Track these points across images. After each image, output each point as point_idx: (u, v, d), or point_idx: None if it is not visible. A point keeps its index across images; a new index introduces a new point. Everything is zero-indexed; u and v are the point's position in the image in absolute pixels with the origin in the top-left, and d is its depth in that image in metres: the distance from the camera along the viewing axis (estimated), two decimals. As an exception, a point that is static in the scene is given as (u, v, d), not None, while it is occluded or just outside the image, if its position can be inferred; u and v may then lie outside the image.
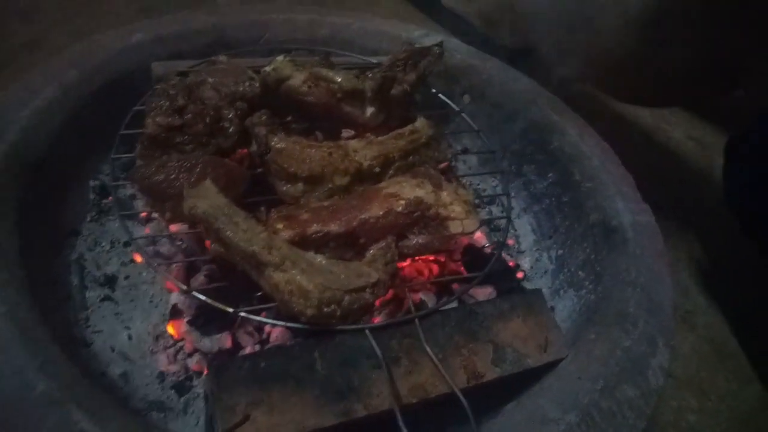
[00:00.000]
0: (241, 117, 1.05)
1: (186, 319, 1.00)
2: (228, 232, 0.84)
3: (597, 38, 1.48)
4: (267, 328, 1.02)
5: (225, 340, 0.99)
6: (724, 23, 1.32)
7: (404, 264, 1.12)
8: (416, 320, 0.91)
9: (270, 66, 1.10)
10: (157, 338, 1.02)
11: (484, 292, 1.14)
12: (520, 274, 1.25)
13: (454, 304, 1.03)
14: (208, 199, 0.88)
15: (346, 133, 1.18)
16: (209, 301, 0.86)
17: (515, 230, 1.37)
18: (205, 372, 0.98)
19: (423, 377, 0.87)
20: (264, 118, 1.03)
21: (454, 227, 0.95)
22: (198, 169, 0.94)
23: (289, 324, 0.86)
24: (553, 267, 1.26)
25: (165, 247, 1.08)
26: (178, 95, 1.03)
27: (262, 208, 0.99)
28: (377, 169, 1.02)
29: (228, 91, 1.07)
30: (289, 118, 1.14)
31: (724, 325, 1.68)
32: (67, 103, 1.17)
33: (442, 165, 1.21)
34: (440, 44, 1.24)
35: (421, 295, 1.09)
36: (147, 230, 1.14)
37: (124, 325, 1.04)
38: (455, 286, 1.13)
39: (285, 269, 0.83)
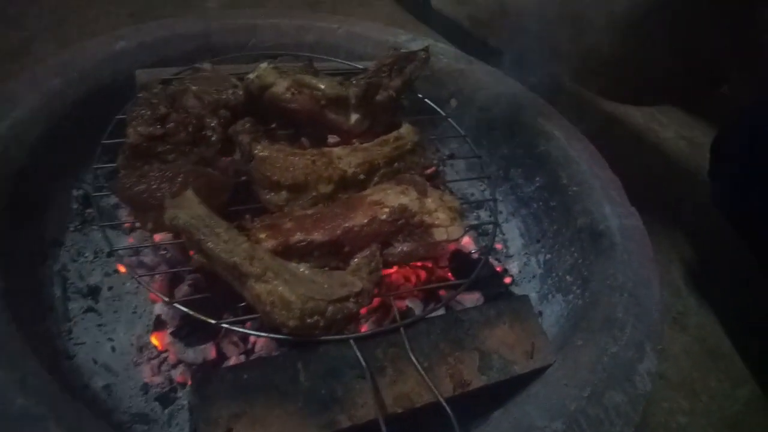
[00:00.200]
0: (225, 125, 1.04)
1: (169, 331, 0.99)
2: (209, 243, 0.83)
3: (583, 37, 1.48)
4: (252, 338, 1.01)
5: (209, 351, 0.98)
6: (706, 23, 1.32)
7: (391, 271, 1.12)
8: (401, 329, 0.90)
9: (253, 73, 1.09)
10: (140, 349, 1.01)
11: (471, 298, 1.13)
12: (507, 279, 1.24)
13: (441, 311, 1.03)
14: (189, 209, 0.87)
15: (333, 139, 1.18)
16: (191, 312, 0.85)
17: (503, 234, 1.37)
18: (189, 383, 0.97)
19: (408, 386, 0.87)
20: (247, 126, 1.02)
21: (439, 234, 0.95)
22: (179, 179, 0.93)
23: (272, 335, 0.85)
24: (541, 271, 1.25)
25: (148, 257, 1.07)
26: (159, 104, 1.01)
27: (248, 216, 0.99)
28: (362, 177, 1.01)
29: (211, 99, 1.06)
30: (273, 125, 1.13)
31: (716, 325, 1.68)
32: (49, 111, 1.16)
33: (429, 170, 1.21)
34: (426, 49, 1.24)
35: (407, 303, 1.09)
36: (131, 240, 1.13)
37: (107, 336, 1.02)
38: (442, 292, 1.12)
39: (267, 280, 0.82)
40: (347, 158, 1.02)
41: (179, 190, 0.91)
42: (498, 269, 1.25)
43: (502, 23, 1.91)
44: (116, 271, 1.11)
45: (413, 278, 1.17)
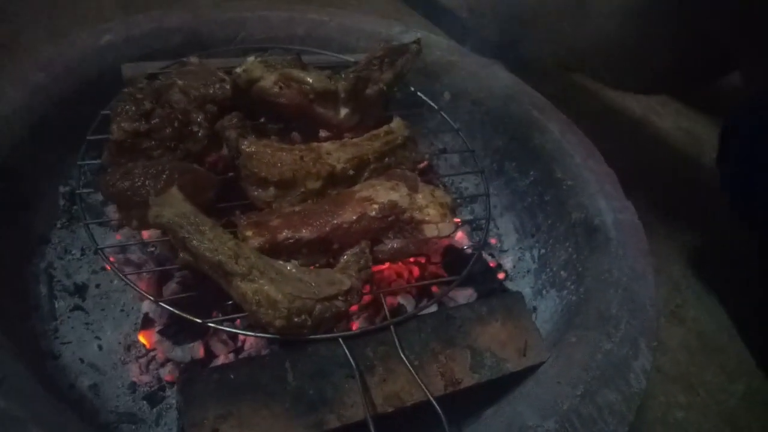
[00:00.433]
0: (211, 120, 1.02)
1: (157, 329, 0.98)
2: (193, 242, 0.82)
3: (586, 24, 1.45)
4: (241, 336, 1.00)
5: (197, 350, 0.96)
6: (715, 7, 1.29)
7: (383, 267, 1.10)
8: (391, 327, 0.89)
9: (241, 67, 1.07)
10: (128, 348, 1.00)
11: (464, 294, 1.12)
12: (501, 275, 1.23)
13: (432, 308, 1.01)
14: (173, 207, 0.85)
15: (325, 133, 1.16)
16: (177, 312, 0.84)
17: (498, 229, 1.35)
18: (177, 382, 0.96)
19: (398, 385, 0.86)
20: (234, 121, 1.00)
21: (430, 231, 0.93)
22: (164, 176, 0.91)
23: (259, 334, 0.84)
24: (535, 266, 1.24)
25: (135, 255, 1.05)
26: (144, 99, 0.99)
27: (238, 212, 0.97)
28: (351, 172, 0.99)
29: (197, 94, 1.03)
30: (262, 120, 1.11)
31: (714, 318, 1.67)
32: (34, 107, 1.14)
33: (422, 165, 1.19)
34: (418, 41, 1.21)
35: (399, 299, 1.07)
36: (118, 237, 1.12)
37: (94, 335, 1.01)
38: (434, 288, 1.11)
39: (252, 279, 0.80)
40: (336, 153, 1.00)
41: (164, 187, 0.90)
42: (492, 264, 1.24)
43: (501, 12, 1.88)
44: (104, 269, 1.10)
45: (405, 274, 1.15)
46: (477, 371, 0.90)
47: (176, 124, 0.99)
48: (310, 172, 0.96)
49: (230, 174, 1.02)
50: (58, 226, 1.14)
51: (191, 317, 0.83)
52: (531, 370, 0.94)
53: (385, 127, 1.07)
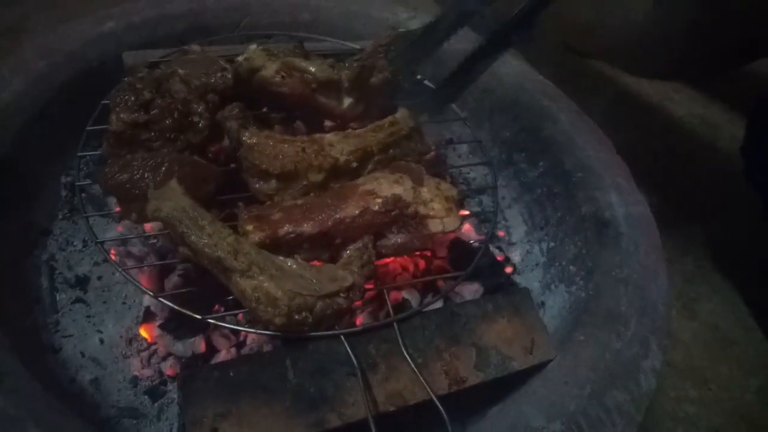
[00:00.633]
0: (213, 111, 1.00)
1: (158, 323, 0.97)
2: (192, 237, 0.80)
3: (606, 8, 1.41)
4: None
5: (198, 345, 0.95)
6: None
7: (388, 260, 1.08)
8: (395, 324, 0.87)
9: (242, 56, 1.05)
10: (130, 341, 0.99)
11: (470, 289, 1.09)
12: (509, 269, 1.20)
13: (438, 304, 0.99)
14: (172, 200, 0.83)
15: (330, 123, 1.13)
16: (176, 307, 0.82)
17: (506, 221, 1.32)
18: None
19: (401, 384, 0.84)
20: (236, 111, 0.98)
21: (434, 226, 0.90)
22: (164, 168, 0.89)
23: (259, 331, 0.82)
24: (544, 260, 1.21)
25: (137, 248, 1.04)
26: (144, 89, 0.97)
27: (240, 204, 0.95)
28: (354, 164, 0.97)
29: (198, 84, 1.01)
30: (264, 110, 1.09)
31: (729, 311, 1.64)
32: (35, 96, 1.12)
33: (428, 156, 1.16)
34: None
35: (403, 294, 1.05)
36: (120, 228, 1.11)
37: (95, 328, 1.00)
38: (440, 283, 1.08)
39: (252, 275, 0.78)
40: (339, 145, 0.97)
41: (163, 180, 0.88)
42: (499, 258, 1.21)
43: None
44: (106, 261, 1.09)
45: (410, 267, 1.13)
46: (482, 369, 0.88)
47: (176, 115, 0.97)
48: (312, 165, 0.94)
49: (232, 165, 1.00)
50: (60, 217, 1.13)
51: (191, 313, 0.82)
52: (537, 369, 0.92)
53: (389, 118, 1.04)
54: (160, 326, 0.97)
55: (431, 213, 0.90)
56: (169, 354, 0.96)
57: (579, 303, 1.03)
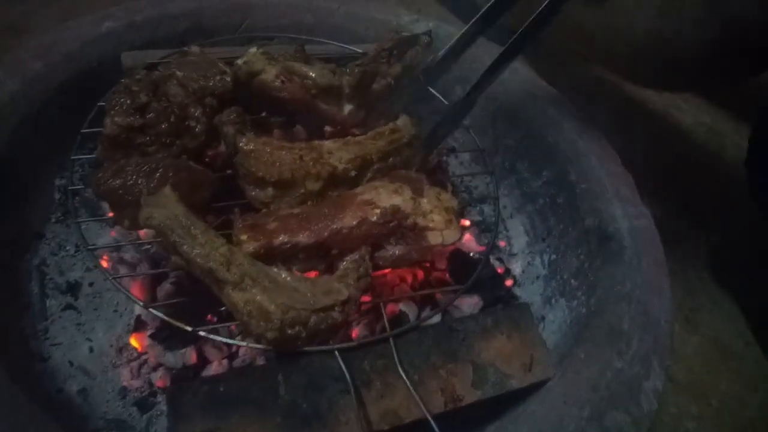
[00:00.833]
0: (210, 115, 0.98)
1: (148, 333, 0.95)
2: (184, 246, 0.78)
3: (611, 15, 1.38)
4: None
5: (189, 356, 0.93)
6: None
7: (385, 271, 1.06)
8: (390, 339, 0.85)
9: (242, 59, 1.03)
10: (120, 351, 0.97)
11: (469, 302, 1.07)
12: (509, 282, 1.18)
13: (435, 318, 0.97)
14: (165, 208, 0.81)
15: (331, 128, 1.11)
16: (167, 318, 0.80)
17: (507, 231, 1.30)
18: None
19: (396, 402, 0.82)
20: (233, 116, 0.96)
21: (434, 238, 0.88)
22: (158, 174, 0.87)
23: (251, 345, 0.80)
24: (545, 272, 1.19)
25: (130, 254, 1.02)
26: (140, 91, 0.95)
27: (236, 210, 0.93)
28: (353, 173, 0.95)
29: (196, 87, 0.99)
30: (263, 114, 1.07)
31: (730, 324, 1.61)
32: (31, 96, 1.10)
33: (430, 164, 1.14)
34: (429, 33, 1.16)
35: (401, 306, 1.03)
36: (113, 233, 1.08)
37: (85, 336, 0.98)
38: (438, 295, 1.06)
39: (244, 288, 0.76)
40: (338, 153, 0.95)
41: (157, 186, 0.86)
42: (499, 270, 1.19)
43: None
44: (98, 266, 1.07)
45: (409, 278, 1.11)
46: (479, 387, 0.86)
47: (173, 119, 0.95)
48: (310, 173, 0.92)
49: (228, 171, 0.98)
50: (53, 220, 1.11)
51: (181, 325, 0.80)
52: (536, 387, 0.90)
53: (390, 125, 1.02)
54: (151, 336, 0.95)
55: (431, 225, 0.88)
56: (160, 364, 0.94)
57: (580, 319, 1.01)
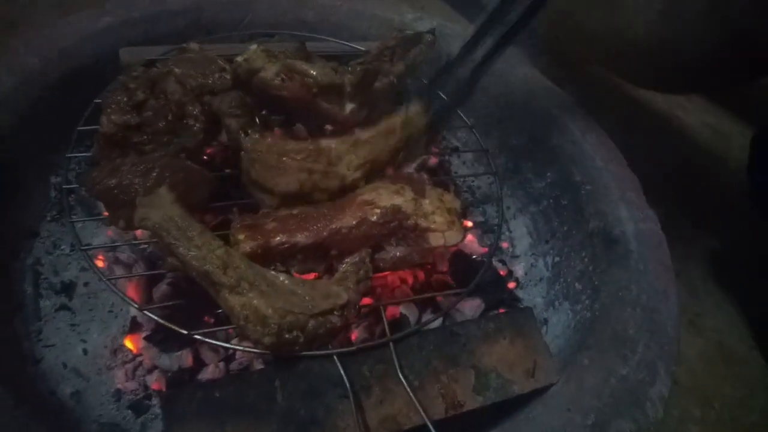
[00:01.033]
0: (209, 113, 0.96)
1: (143, 335, 0.93)
2: (180, 249, 0.76)
3: (613, 17, 1.36)
4: (233, 343, 0.95)
5: (185, 358, 0.91)
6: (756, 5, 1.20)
7: (385, 273, 1.04)
8: (390, 344, 0.83)
9: (242, 56, 1.00)
10: (114, 352, 0.95)
11: (471, 305, 1.05)
12: (512, 284, 1.16)
13: (436, 322, 0.95)
14: (161, 209, 0.79)
15: (332, 127, 1.09)
16: (162, 321, 0.79)
17: (510, 232, 1.28)
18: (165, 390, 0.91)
19: (396, 408, 0.80)
20: (234, 105, 0.92)
21: (435, 240, 0.86)
22: (154, 173, 0.85)
23: (247, 349, 0.78)
24: (548, 275, 1.17)
25: (125, 254, 1.00)
26: (138, 89, 0.93)
27: (235, 210, 0.91)
28: (362, 183, 0.93)
29: (195, 84, 0.97)
30: (263, 112, 1.05)
31: (734, 328, 1.59)
32: (26, 93, 1.08)
33: (432, 161, 1.12)
34: (433, 31, 1.13)
35: (401, 309, 1.01)
36: (109, 233, 1.07)
37: (80, 337, 0.96)
38: (439, 298, 1.04)
39: (241, 291, 0.75)
40: (347, 157, 0.93)
41: (153, 186, 0.84)
42: (502, 273, 1.17)
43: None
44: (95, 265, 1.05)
45: (410, 279, 1.09)
46: (481, 393, 0.84)
47: (170, 117, 0.93)
48: (319, 188, 0.90)
49: (227, 171, 0.96)
50: (48, 219, 1.09)
51: (177, 328, 0.78)
52: (539, 393, 0.88)
53: (401, 117, 0.99)
54: (146, 338, 0.93)
55: (432, 226, 0.86)
56: (155, 367, 0.93)
57: (584, 323, 0.99)
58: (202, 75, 0.99)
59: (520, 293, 1.16)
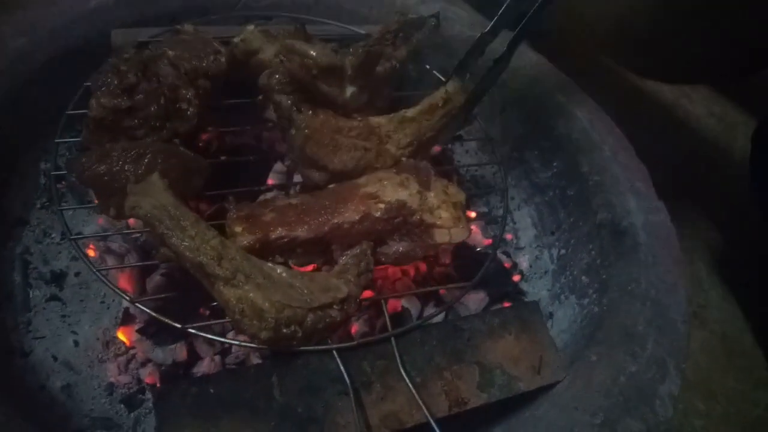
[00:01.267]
0: (203, 97, 0.92)
1: (136, 328, 0.90)
2: (173, 239, 0.73)
3: (616, 5, 1.33)
4: (229, 337, 0.92)
5: (180, 352, 0.88)
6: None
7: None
8: (392, 339, 0.80)
9: (238, 37, 0.97)
10: (107, 345, 0.92)
11: (475, 298, 1.02)
12: (516, 277, 1.13)
13: (439, 316, 0.92)
14: (153, 197, 0.76)
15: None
16: (155, 314, 0.75)
17: (514, 223, 1.25)
18: (158, 385, 0.88)
19: (397, 405, 0.77)
20: (283, 81, 0.89)
21: (441, 236, 0.83)
22: (146, 160, 0.82)
23: (243, 343, 0.75)
24: (554, 267, 1.14)
25: (117, 243, 0.96)
26: (129, 71, 0.89)
27: (231, 198, 0.88)
28: (405, 158, 0.93)
29: (189, 67, 0.93)
30: (260, 97, 1.01)
31: (738, 321, 1.57)
32: (13, 75, 1.04)
33: (435, 149, 1.09)
34: (436, 15, 1.10)
35: (403, 302, 0.98)
36: (100, 221, 1.03)
37: (70, 329, 0.93)
38: (442, 291, 1.01)
39: (236, 284, 0.71)
40: (395, 135, 0.93)
41: (145, 173, 0.80)
42: (506, 265, 1.14)
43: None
44: (85, 255, 1.01)
45: (411, 271, 1.06)
46: (485, 390, 0.82)
47: (163, 101, 0.89)
48: (373, 166, 0.90)
49: (222, 157, 0.92)
50: (38, 206, 1.06)
51: (170, 321, 0.75)
52: (545, 389, 0.85)
53: (441, 95, 0.98)
54: (139, 330, 0.90)
55: (438, 222, 0.83)
56: (149, 360, 0.90)
57: (592, 318, 0.96)
58: (196, 57, 0.96)
59: (524, 286, 1.13)
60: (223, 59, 0.96)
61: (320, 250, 0.83)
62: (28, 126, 1.05)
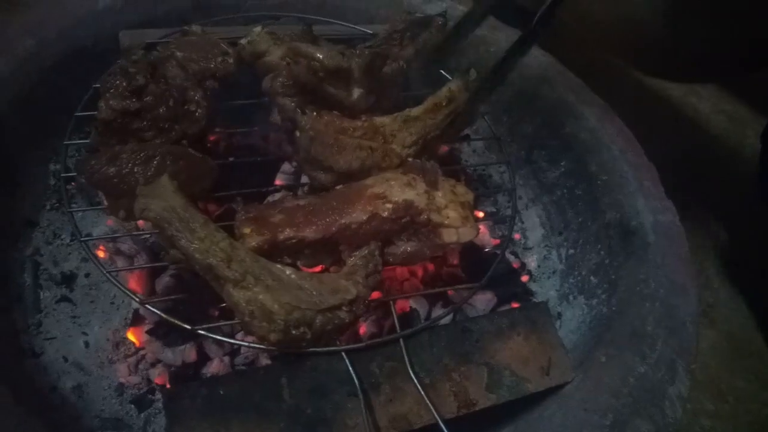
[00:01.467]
0: (211, 98, 0.92)
1: (146, 329, 0.90)
2: (182, 241, 0.73)
3: (622, 3, 1.32)
4: (238, 338, 0.92)
5: (190, 352, 0.89)
6: None
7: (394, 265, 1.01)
8: (401, 340, 0.80)
9: (245, 39, 0.97)
10: (117, 345, 0.93)
11: (483, 299, 1.02)
12: (524, 278, 1.13)
13: (448, 317, 0.92)
14: (162, 198, 0.76)
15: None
16: (164, 316, 0.76)
17: (522, 223, 1.24)
18: (168, 385, 0.88)
19: (406, 406, 0.77)
20: (286, 83, 0.90)
21: (449, 236, 0.83)
22: (155, 162, 0.82)
23: (252, 345, 0.75)
24: (562, 267, 1.13)
25: (127, 245, 0.97)
26: (138, 73, 0.89)
27: (239, 199, 0.88)
28: (411, 159, 0.92)
29: (197, 68, 0.94)
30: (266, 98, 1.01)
31: (747, 320, 1.57)
32: (22, 76, 1.05)
33: (442, 149, 1.09)
34: (443, 14, 1.09)
35: (411, 303, 0.98)
36: (109, 222, 1.04)
37: (81, 330, 0.94)
38: (450, 292, 1.01)
39: (246, 286, 0.71)
40: (400, 135, 0.92)
41: (155, 175, 0.81)
42: (515, 266, 1.14)
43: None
44: (95, 256, 1.02)
45: (419, 272, 1.06)
46: (494, 391, 0.82)
47: (171, 103, 0.89)
48: (379, 166, 0.89)
49: (230, 159, 0.93)
50: (48, 207, 1.06)
51: (180, 323, 0.75)
52: (553, 390, 0.85)
53: (445, 93, 0.96)
54: (149, 332, 0.90)
55: (446, 222, 0.83)
56: (158, 361, 0.90)
57: (600, 319, 0.95)
58: (204, 59, 0.96)
59: (532, 286, 1.13)
60: (231, 60, 0.97)
61: (328, 250, 0.83)
62: (37, 127, 1.06)
